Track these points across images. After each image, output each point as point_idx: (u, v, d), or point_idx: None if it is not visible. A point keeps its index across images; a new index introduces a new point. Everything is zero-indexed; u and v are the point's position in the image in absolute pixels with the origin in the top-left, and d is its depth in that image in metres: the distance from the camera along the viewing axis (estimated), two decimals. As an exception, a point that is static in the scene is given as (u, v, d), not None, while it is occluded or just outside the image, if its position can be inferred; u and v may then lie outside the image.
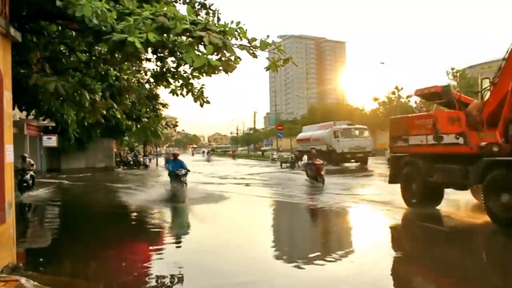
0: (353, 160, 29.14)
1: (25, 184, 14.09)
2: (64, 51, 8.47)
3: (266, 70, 5.63)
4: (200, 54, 4.91)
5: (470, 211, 9.67)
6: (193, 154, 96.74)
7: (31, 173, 14.57)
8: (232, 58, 5.22)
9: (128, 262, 6.42)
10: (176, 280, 5.47)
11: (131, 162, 37.65)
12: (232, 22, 5.13)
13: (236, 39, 5.15)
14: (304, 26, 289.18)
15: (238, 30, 5.10)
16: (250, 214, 11.54)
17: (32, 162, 14.85)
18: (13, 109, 6.40)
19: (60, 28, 7.20)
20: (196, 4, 8.74)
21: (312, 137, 32.67)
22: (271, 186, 18.06)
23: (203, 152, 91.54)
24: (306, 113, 74.98)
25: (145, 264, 6.29)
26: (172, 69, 8.38)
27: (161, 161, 51.60)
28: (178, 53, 6.23)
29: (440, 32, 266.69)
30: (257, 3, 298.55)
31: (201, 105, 8.06)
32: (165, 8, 5.08)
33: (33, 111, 10.05)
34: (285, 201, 13.58)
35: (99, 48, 7.95)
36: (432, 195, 9.70)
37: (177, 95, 8.45)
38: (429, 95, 10.64)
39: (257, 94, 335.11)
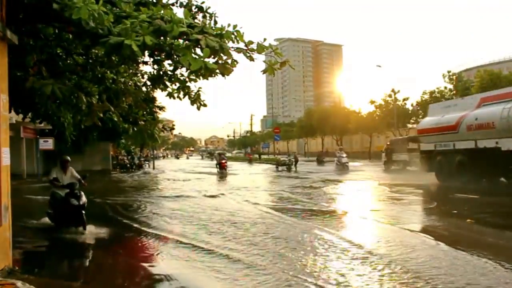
0: None
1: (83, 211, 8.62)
2: (61, 54, 8.45)
3: (263, 73, 5.63)
4: (197, 57, 4.91)
5: None
6: (187, 158, 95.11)
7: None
8: (229, 61, 5.22)
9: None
10: None
11: (128, 165, 37.70)
12: (229, 25, 5.13)
13: (233, 42, 5.15)
14: (301, 29, 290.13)
15: (235, 33, 5.10)
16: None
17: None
18: (10, 112, 6.39)
19: (57, 31, 7.18)
20: (193, 8, 8.74)
21: (465, 122, 15.86)
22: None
23: (202, 154, 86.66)
24: (303, 116, 75.17)
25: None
26: (169, 72, 8.35)
27: (158, 163, 51.48)
28: (175, 56, 6.22)
29: (437, 35, 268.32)
30: (254, 6, 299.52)
31: (198, 108, 8.04)
32: (162, 11, 5.08)
33: (30, 114, 10.00)
34: None
35: (96, 51, 7.94)
36: None
37: (174, 98, 8.41)
38: None
39: (254, 97, 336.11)
